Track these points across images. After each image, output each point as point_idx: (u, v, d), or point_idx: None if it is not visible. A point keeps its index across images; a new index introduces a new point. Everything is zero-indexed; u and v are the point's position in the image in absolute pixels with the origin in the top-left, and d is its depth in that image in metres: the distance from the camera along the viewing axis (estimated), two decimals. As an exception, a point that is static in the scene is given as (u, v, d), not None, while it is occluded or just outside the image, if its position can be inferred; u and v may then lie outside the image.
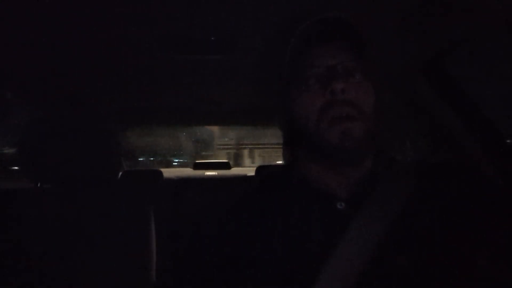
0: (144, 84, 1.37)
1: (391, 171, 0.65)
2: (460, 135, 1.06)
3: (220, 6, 0.80)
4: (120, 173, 2.32)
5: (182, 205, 2.10)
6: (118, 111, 1.76)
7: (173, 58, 1.10)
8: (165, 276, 1.08)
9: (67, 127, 1.09)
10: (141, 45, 0.99)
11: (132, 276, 1.04)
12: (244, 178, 2.57)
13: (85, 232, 1.03)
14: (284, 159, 0.76)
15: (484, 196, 0.62)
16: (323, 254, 0.58)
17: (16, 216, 1.03)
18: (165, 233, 1.22)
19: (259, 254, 0.62)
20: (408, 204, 0.60)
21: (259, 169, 2.56)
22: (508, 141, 1.01)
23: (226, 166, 3.48)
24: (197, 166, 3.55)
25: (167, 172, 2.58)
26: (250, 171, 3.34)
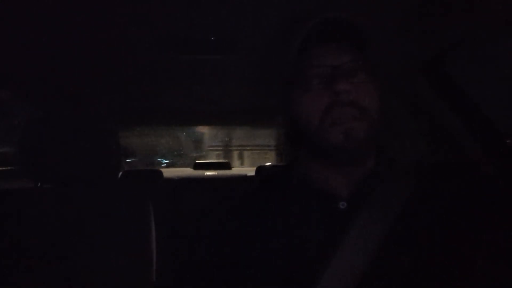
0: (144, 84, 1.37)
1: (392, 171, 0.65)
2: (460, 135, 1.06)
3: (220, 6, 0.80)
4: (120, 173, 2.32)
5: (182, 205, 2.10)
6: (118, 111, 1.77)
7: (173, 58, 1.10)
8: (165, 276, 1.08)
9: (67, 127, 1.09)
10: (141, 45, 0.99)
11: (132, 276, 1.04)
12: (244, 178, 2.57)
13: (85, 232, 1.03)
14: (285, 159, 0.77)
15: (484, 196, 0.62)
16: (324, 254, 0.58)
17: (16, 216, 1.03)
18: (165, 233, 1.22)
19: (259, 254, 0.62)
20: (408, 204, 0.60)
21: (259, 169, 2.56)
22: (508, 141, 1.01)
23: (226, 166, 3.49)
24: (197, 166, 3.56)
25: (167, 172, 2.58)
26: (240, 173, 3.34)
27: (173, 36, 0.95)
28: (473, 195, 0.61)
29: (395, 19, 0.86)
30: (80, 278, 1.00)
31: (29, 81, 1.27)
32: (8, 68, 1.15)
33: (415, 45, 0.98)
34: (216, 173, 3.54)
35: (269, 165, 2.79)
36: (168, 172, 2.67)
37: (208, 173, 3.59)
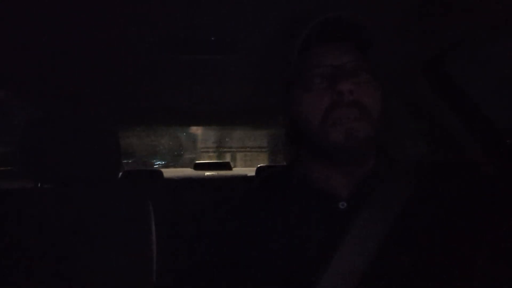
0: (144, 84, 1.37)
1: (392, 171, 0.65)
2: (460, 135, 1.06)
3: (220, 6, 0.80)
4: (120, 173, 2.32)
5: (182, 205, 2.10)
6: (118, 111, 1.77)
7: (173, 58, 1.10)
8: (165, 276, 1.08)
9: (67, 127, 1.09)
10: (141, 45, 0.99)
11: (132, 276, 1.04)
12: (244, 178, 2.57)
13: (85, 232, 1.03)
14: (285, 159, 0.77)
15: (484, 196, 0.62)
16: (324, 254, 0.58)
17: (16, 216, 1.03)
18: (165, 233, 1.22)
19: (259, 254, 0.62)
20: (408, 204, 0.60)
21: (259, 169, 2.56)
22: (508, 141, 1.01)
23: (227, 166, 3.49)
24: (197, 167, 3.56)
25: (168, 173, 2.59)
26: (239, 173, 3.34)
27: (173, 36, 0.95)
28: (473, 195, 0.61)
29: (395, 19, 0.86)
30: (80, 278, 1.00)
31: (29, 81, 1.27)
32: (8, 68, 1.15)
33: (415, 45, 0.98)
34: (216, 173, 3.54)
35: (266, 166, 2.79)
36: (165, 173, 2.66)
37: (208, 173, 3.59)
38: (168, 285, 1.07)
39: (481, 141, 1.02)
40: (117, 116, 1.83)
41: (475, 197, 0.61)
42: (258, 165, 2.67)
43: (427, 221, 0.58)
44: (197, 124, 2.40)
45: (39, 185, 1.38)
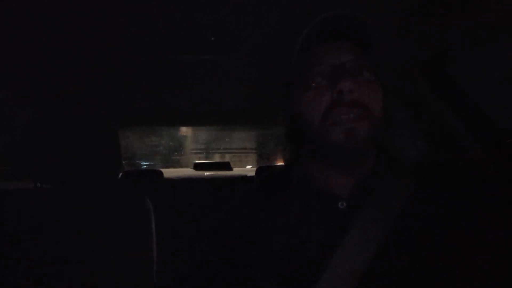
0: (144, 84, 1.37)
1: (392, 171, 0.65)
2: (460, 135, 1.06)
3: (220, 6, 0.80)
4: (120, 173, 2.32)
5: (182, 205, 2.10)
6: (118, 111, 1.77)
7: (173, 58, 1.10)
8: (165, 276, 1.08)
9: (67, 127, 1.09)
10: (141, 45, 0.99)
11: (133, 276, 1.04)
12: (244, 178, 2.57)
13: (85, 232, 1.03)
14: (285, 159, 0.76)
15: (484, 196, 0.62)
16: (324, 254, 0.58)
17: (16, 216, 1.03)
18: (165, 233, 1.22)
19: (259, 254, 0.62)
20: (408, 204, 0.60)
21: (260, 169, 2.56)
22: (508, 141, 1.01)
23: (227, 167, 3.49)
24: (197, 167, 3.56)
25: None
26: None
27: (173, 36, 0.95)
28: (473, 195, 0.61)
29: (395, 19, 0.85)
30: (80, 278, 1.00)
31: (29, 81, 1.27)
32: (8, 68, 1.15)
33: (415, 45, 0.98)
34: (215, 173, 3.55)
35: (266, 166, 2.79)
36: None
37: (208, 173, 3.59)
38: (168, 285, 1.07)
39: (481, 141, 1.02)
40: (117, 116, 1.83)
41: (475, 197, 0.61)
42: (258, 165, 2.67)
43: (427, 221, 0.58)
44: (197, 124, 2.39)
45: (39, 185, 1.38)
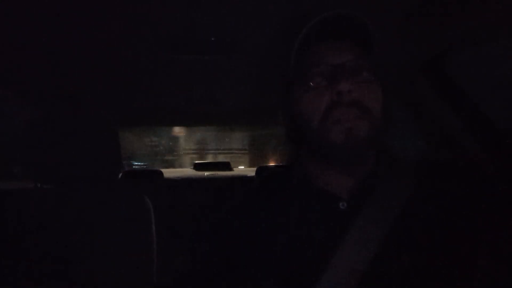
0: (144, 84, 1.37)
1: (392, 171, 0.65)
2: (460, 135, 1.06)
3: (220, 6, 0.80)
4: (120, 173, 2.32)
5: (182, 205, 2.10)
6: (118, 111, 1.77)
7: (173, 58, 1.10)
8: (165, 276, 1.08)
9: (67, 127, 1.09)
10: (141, 45, 0.99)
11: (133, 276, 1.04)
12: (245, 178, 2.57)
13: (85, 232, 1.03)
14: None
15: (484, 196, 0.62)
16: (325, 254, 0.58)
17: (16, 216, 1.03)
18: (165, 233, 1.22)
19: (259, 254, 0.62)
20: (408, 204, 0.60)
21: (260, 170, 2.56)
22: (508, 141, 1.01)
23: (227, 167, 3.49)
24: (197, 167, 3.56)
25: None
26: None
27: (173, 36, 0.95)
28: (473, 195, 0.61)
29: (395, 19, 0.85)
30: (80, 278, 1.00)
31: (29, 81, 1.27)
32: (8, 68, 1.15)
33: (415, 45, 0.98)
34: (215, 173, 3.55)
35: (266, 166, 2.79)
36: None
37: (207, 173, 3.59)
38: (168, 285, 1.07)
39: (481, 141, 1.02)
40: (117, 116, 1.83)
41: (475, 197, 0.61)
42: (258, 165, 2.67)
43: (427, 221, 0.58)
44: (197, 124, 2.39)
45: (39, 185, 1.38)
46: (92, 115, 1.16)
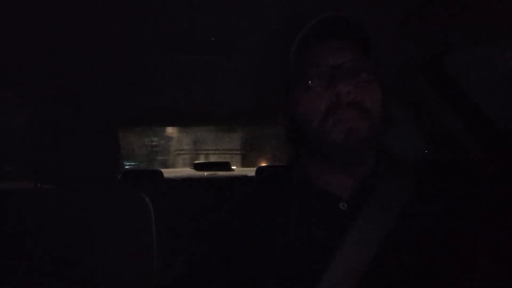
0: (144, 84, 1.37)
1: (392, 171, 0.65)
2: (460, 135, 1.06)
3: (220, 6, 0.80)
4: (120, 173, 2.32)
5: (182, 205, 2.10)
6: (118, 111, 1.77)
7: (173, 58, 1.10)
8: (165, 276, 1.08)
9: (67, 127, 1.09)
10: (141, 45, 0.99)
11: (133, 276, 1.04)
12: (245, 178, 2.57)
13: (85, 232, 1.03)
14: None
15: (484, 196, 0.62)
16: (325, 255, 0.58)
17: (16, 216, 1.03)
18: (165, 233, 1.22)
19: (259, 254, 0.62)
20: (409, 204, 0.60)
21: (260, 170, 2.56)
22: (508, 141, 1.01)
23: (227, 166, 3.49)
24: (197, 167, 3.56)
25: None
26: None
27: (173, 36, 0.95)
28: (473, 195, 0.61)
29: (395, 19, 0.86)
30: (81, 278, 1.00)
31: (29, 81, 1.27)
32: (8, 68, 1.15)
33: (415, 45, 0.98)
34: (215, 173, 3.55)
35: (266, 166, 2.79)
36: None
37: (207, 173, 3.59)
38: (168, 285, 1.07)
39: (481, 141, 1.02)
40: (117, 116, 1.83)
41: (475, 197, 0.61)
42: (258, 165, 2.67)
43: (427, 221, 0.58)
44: (197, 124, 2.40)
45: (39, 185, 1.38)
46: (92, 115, 1.16)
